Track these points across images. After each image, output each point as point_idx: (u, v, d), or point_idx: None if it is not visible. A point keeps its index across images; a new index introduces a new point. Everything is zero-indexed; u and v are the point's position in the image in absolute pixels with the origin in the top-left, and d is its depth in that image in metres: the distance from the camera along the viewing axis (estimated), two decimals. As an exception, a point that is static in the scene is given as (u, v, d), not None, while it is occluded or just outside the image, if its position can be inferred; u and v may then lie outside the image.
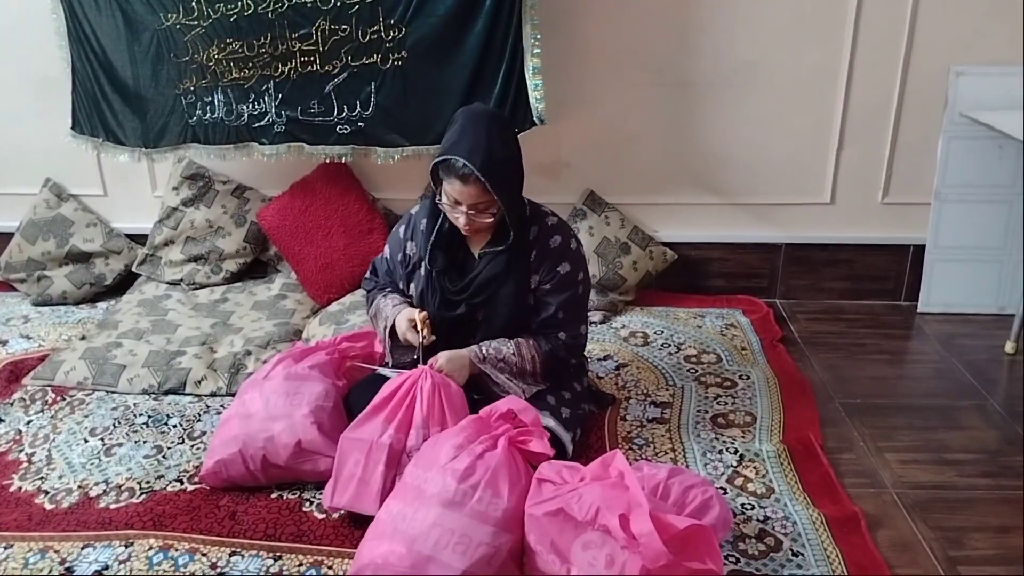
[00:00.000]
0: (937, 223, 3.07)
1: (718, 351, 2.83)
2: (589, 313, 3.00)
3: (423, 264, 2.15)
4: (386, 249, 2.28)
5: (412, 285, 2.21)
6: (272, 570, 1.85)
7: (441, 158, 1.97)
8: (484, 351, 2.10)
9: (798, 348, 2.90)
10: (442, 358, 2.06)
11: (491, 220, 2.01)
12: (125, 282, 3.38)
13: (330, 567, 1.86)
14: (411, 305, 2.17)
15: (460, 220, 2.02)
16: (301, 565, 1.87)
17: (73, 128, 3.12)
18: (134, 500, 2.10)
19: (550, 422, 2.06)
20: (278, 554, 1.90)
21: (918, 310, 3.16)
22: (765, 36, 3.00)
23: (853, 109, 3.06)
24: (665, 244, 3.24)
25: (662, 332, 2.97)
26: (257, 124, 2.94)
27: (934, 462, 2.23)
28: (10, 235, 3.39)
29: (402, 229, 2.23)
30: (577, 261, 2.16)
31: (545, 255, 2.11)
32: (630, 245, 3.16)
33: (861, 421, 2.43)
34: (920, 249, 3.15)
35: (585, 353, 2.41)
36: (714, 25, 2.99)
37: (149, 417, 2.48)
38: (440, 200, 2.05)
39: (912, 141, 3.07)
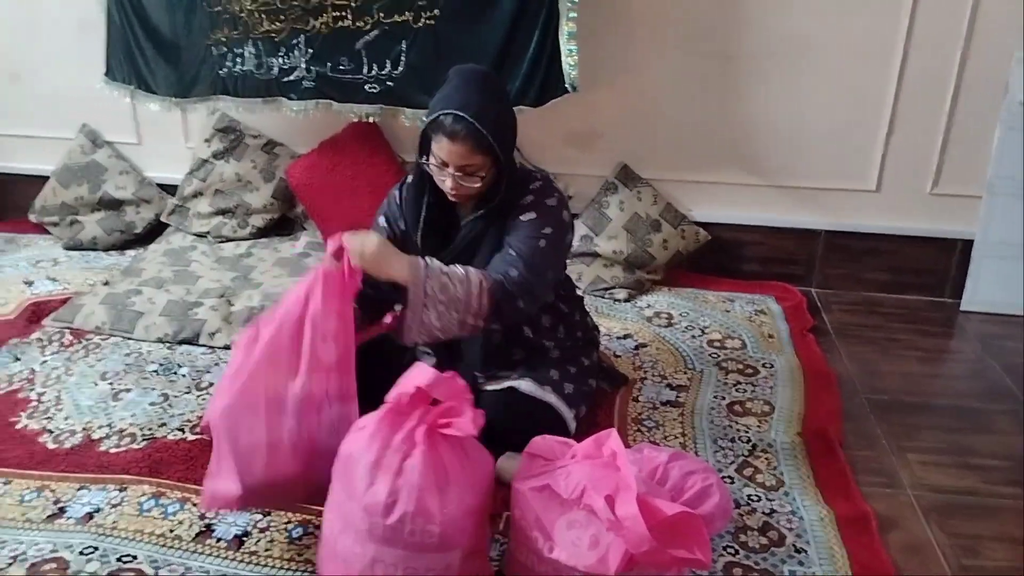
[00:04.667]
0: (988, 218, 2.91)
1: (744, 337, 2.73)
2: (613, 291, 2.96)
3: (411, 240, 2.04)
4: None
5: None
6: (260, 525, 1.84)
7: (432, 115, 1.85)
8: (429, 260, 1.85)
9: (828, 339, 2.78)
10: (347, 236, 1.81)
11: (479, 185, 1.88)
12: (155, 231, 3.40)
13: (318, 526, 1.83)
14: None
15: (447, 183, 1.88)
16: (289, 522, 1.85)
17: (106, 75, 3.12)
18: (134, 446, 2.10)
19: (552, 398, 1.99)
20: (267, 510, 1.88)
21: (961, 308, 3.00)
22: (816, 7, 2.85)
23: (906, 91, 2.90)
24: (698, 224, 3.13)
25: (687, 314, 2.87)
26: (286, 79, 2.90)
27: (957, 466, 2.12)
28: (45, 178, 3.43)
29: (385, 210, 2.11)
30: (548, 215, 1.94)
31: (517, 214, 1.95)
32: (661, 223, 3.06)
33: (885, 418, 2.32)
34: (968, 244, 2.99)
35: (599, 327, 2.34)
36: (762, -6, 2.86)
37: (160, 365, 2.49)
38: (427, 163, 1.91)
39: (967, 129, 2.90)
